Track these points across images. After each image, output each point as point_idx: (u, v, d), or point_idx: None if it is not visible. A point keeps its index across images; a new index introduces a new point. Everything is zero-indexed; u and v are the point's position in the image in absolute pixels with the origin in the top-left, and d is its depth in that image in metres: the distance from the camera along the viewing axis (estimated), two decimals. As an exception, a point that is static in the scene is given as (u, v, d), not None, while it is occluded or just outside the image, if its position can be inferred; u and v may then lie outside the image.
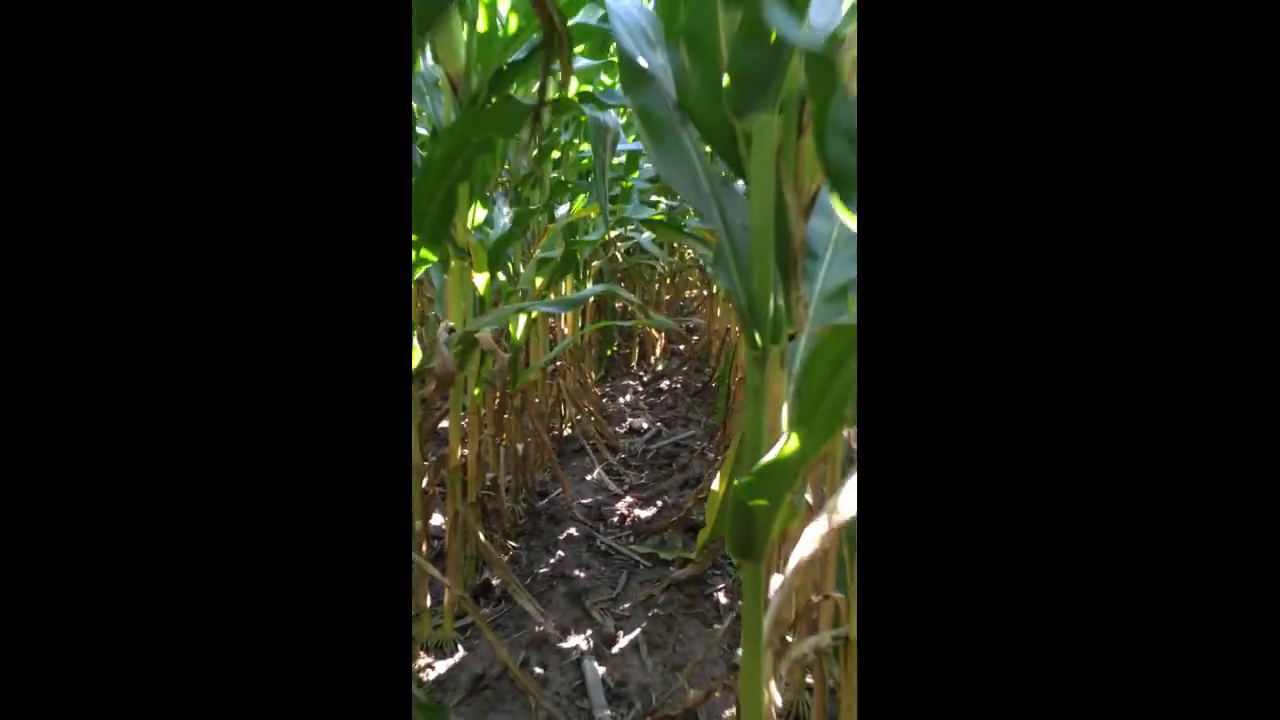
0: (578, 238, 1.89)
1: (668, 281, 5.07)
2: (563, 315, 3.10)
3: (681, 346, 4.93)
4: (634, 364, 4.36)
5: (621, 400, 3.59)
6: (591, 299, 3.33)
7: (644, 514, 2.23)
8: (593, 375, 3.40)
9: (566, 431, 2.89)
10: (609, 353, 4.06)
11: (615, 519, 2.19)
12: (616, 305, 4.49)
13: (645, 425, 3.11)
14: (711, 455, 2.65)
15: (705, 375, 4.04)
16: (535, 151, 2.18)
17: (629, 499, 2.34)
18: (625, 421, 3.19)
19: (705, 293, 4.57)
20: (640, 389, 3.85)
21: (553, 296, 2.37)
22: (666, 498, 2.32)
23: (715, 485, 1.63)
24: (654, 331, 4.62)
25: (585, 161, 2.26)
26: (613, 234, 3.17)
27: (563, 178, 2.10)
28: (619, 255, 4.18)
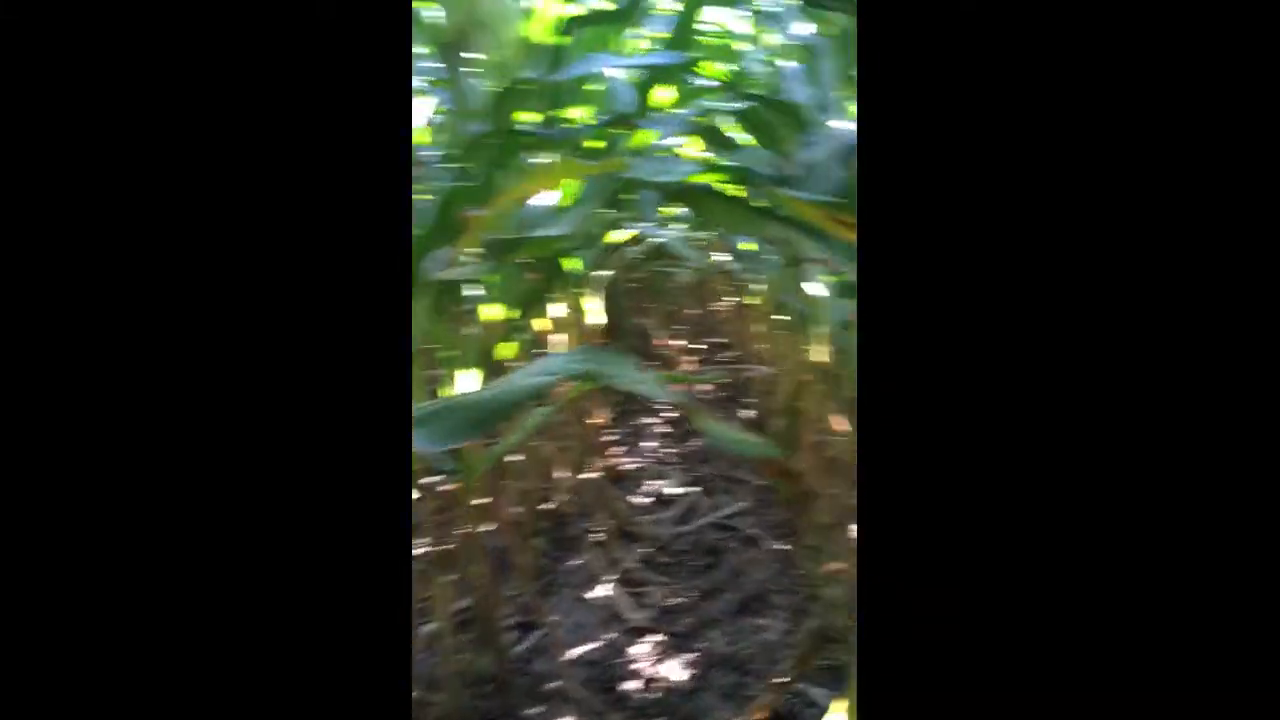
0: (543, 232, 1.07)
1: (694, 290, 4.24)
2: (574, 340, 2.29)
3: (714, 361, 4.10)
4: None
5: (641, 448, 2.76)
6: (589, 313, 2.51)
7: (682, 673, 1.40)
8: (601, 419, 2.59)
9: (565, 503, 2.07)
10: (625, 385, 3.24)
11: (635, 685, 1.37)
12: (633, 320, 3.67)
13: (675, 490, 2.29)
14: (776, 547, 1.82)
15: (748, 407, 3.21)
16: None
17: (657, 636, 1.51)
18: (645, 484, 2.37)
19: (739, 302, 3.75)
20: (666, 428, 3.03)
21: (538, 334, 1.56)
22: (720, 636, 1.50)
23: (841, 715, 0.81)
24: (680, 339, 3.80)
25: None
26: (620, 231, 2.35)
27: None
28: (636, 259, 3.37)
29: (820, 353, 1.69)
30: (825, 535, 1.61)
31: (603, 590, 1.68)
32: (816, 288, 1.59)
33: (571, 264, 2.05)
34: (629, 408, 3.34)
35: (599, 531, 1.92)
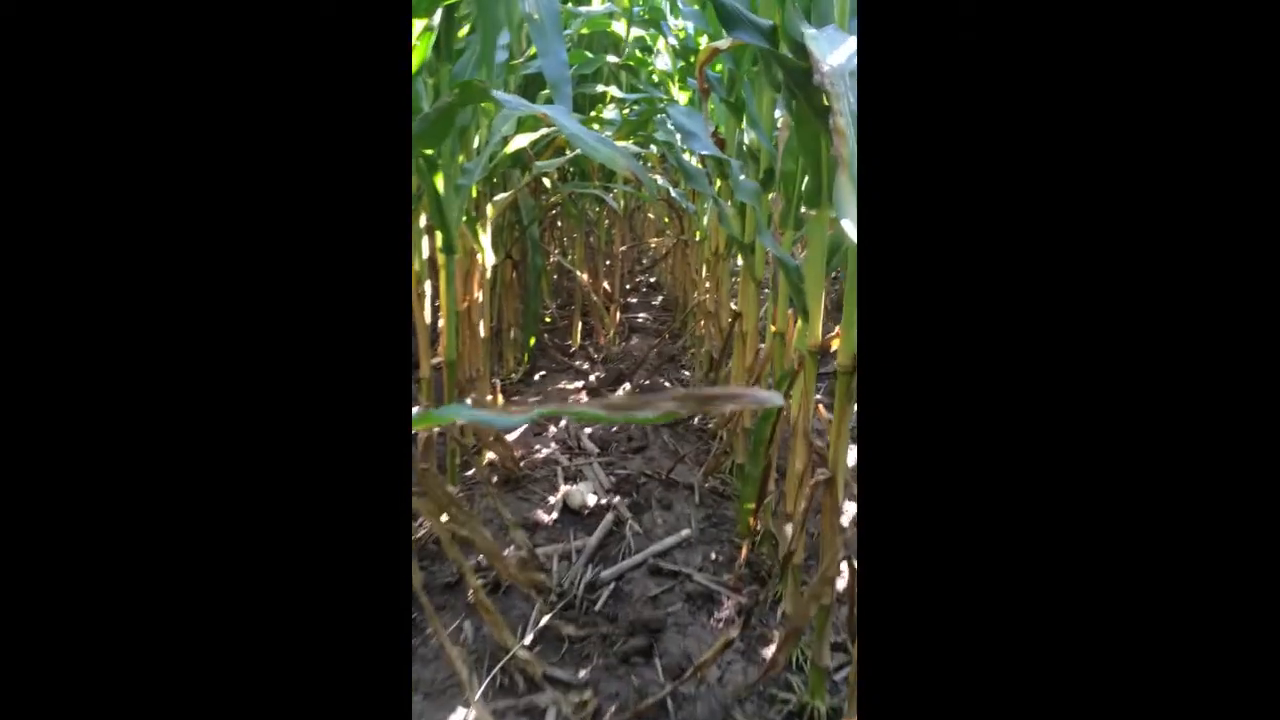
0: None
1: (623, 219, 3.54)
2: (459, 287, 1.62)
3: (643, 316, 3.47)
4: (574, 345, 2.89)
5: (552, 430, 2.12)
6: (497, 242, 1.81)
7: None
8: (497, 381, 1.92)
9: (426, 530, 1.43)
10: (531, 341, 2.56)
11: None
12: (548, 259, 2.98)
13: (591, 498, 1.66)
14: (740, 605, 1.21)
15: (686, 369, 2.59)
16: None
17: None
18: (556, 487, 1.73)
19: (680, 236, 3.09)
20: (584, 396, 2.40)
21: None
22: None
23: None
24: (607, 285, 3.13)
25: None
26: (527, 133, 1.65)
27: None
28: (549, 183, 2.66)
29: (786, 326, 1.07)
30: (810, 593, 1.01)
31: (468, 712, 1.05)
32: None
33: (436, 177, 1.35)
34: (538, 365, 2.68)
35: (472, 580, 1.29)
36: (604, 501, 1.66)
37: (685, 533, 1.49)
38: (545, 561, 1.41)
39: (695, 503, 1.65)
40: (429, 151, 1.28)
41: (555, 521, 1.58)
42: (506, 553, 1.42)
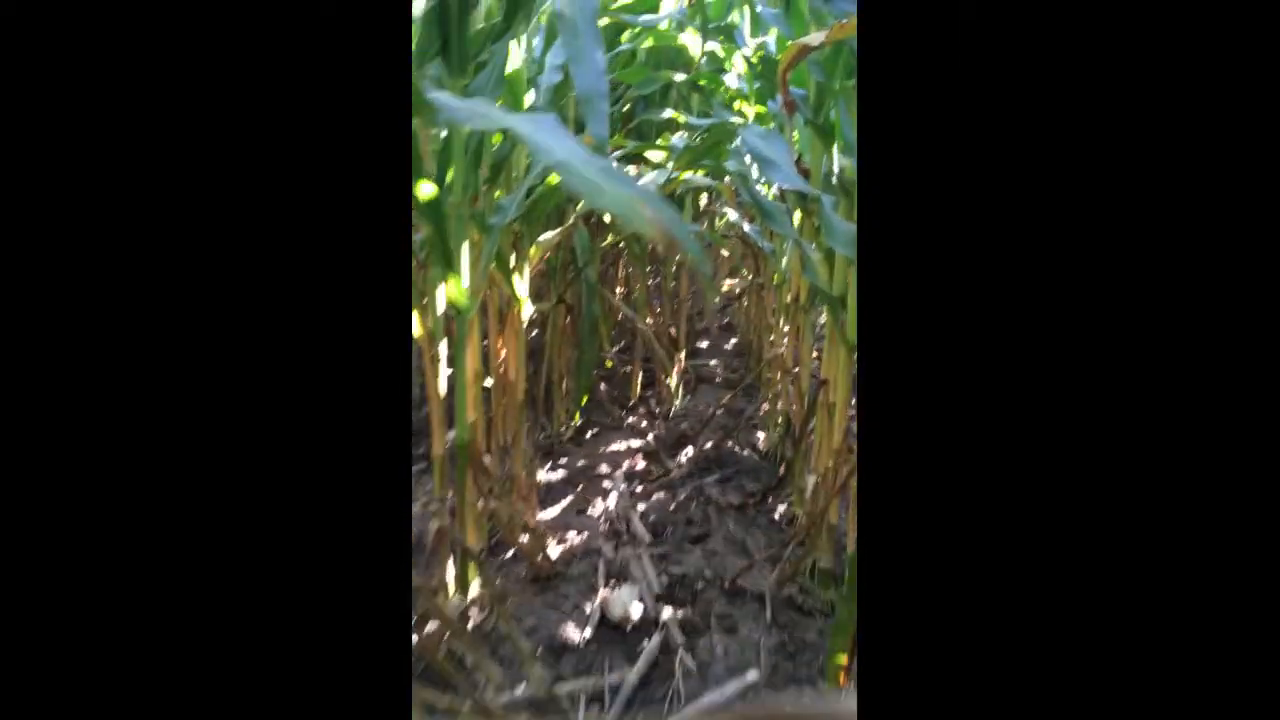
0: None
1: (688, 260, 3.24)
2: (494, 345, 1.37)
3: (713, 362, 3.15)
4: (634, 397, 2.60)
5: (599, 506, 1.81)
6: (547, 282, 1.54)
7: None
8: (534, 447, 1.64)
9: (430, 641, 1.14)
10: (584, 396, 2.27)
11: None
12: (614, 300, 2.69)
13: (636, 607, 1.35)
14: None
15: (760, 430, 2.26)
16: None
17: None
18: (595, 586, 1.43)
19: (754, 278, 2.77)
20: (640, 462, 2.09)
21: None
22: None
23: None
24: (672, 330, 2.83)
25: None
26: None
27: None
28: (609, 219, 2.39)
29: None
30: None
31: None
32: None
33: (442, 213, 1.08)
34: (592, 420, 2.39)
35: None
36: (651, 613, 1.34)
37: (752, 676, 1.16)
38: (568, 705, 1.10)
39: (766, 622, 1.32)
40: (428, 189, 1.01)
41: (588, 641, 1.28)
42: (519, 690, 1.12)
